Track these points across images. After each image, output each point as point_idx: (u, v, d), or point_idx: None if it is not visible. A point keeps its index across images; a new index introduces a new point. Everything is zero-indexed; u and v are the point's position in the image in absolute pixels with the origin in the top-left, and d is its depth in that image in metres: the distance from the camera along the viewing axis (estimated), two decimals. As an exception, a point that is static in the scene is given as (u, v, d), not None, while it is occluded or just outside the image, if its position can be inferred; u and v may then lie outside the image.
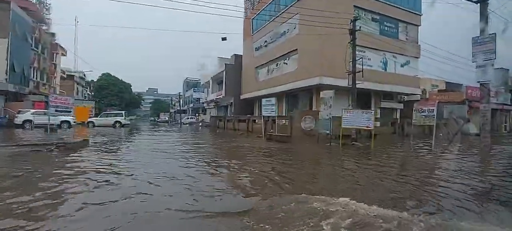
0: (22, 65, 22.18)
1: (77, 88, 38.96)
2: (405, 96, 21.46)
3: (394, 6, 19.28)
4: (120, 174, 5.03)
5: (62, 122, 18.43)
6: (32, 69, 24.35)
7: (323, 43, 16.22)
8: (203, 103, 41.41)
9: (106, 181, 4.42)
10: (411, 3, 20.17)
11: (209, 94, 37.12)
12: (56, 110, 9.79)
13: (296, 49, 18.89)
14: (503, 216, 3.34)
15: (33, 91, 23.93)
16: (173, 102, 59.68)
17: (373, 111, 10.56)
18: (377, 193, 4.20)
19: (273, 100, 13.92)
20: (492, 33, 9.58)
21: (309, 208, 3.19)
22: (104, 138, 12.95)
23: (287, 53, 20.09)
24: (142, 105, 69.81)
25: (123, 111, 27.46)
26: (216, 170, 5.88)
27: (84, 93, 43.79)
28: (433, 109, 9.42)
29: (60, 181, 4.33)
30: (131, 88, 50.99)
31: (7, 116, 19.59)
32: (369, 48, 17.98)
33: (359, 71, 11.88)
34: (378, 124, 18.72)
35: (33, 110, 18.60)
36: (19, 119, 18.01)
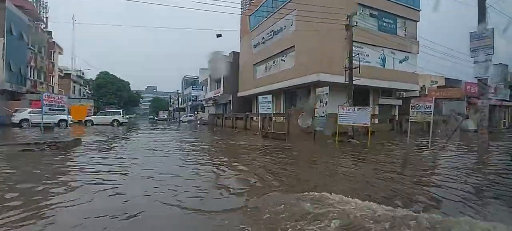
0: (19, 64, 22.05)
1: (74, 86, 38.79)
2: (404, 93, 21.35)
3: (393, 2, 19.11)
4: (103, 172, 4.97)
5: (60, 120, 18.44)
6: (29, 68, 24.22)
7: (320, 39, 16.09)
8: (201, 101, 41.33)
9: (88, 181, 4.33)
10: (410, -2, 20.02)
11: (207, 92, 37.01)
12: (50, 109, 9.63)
13: (293, 46, 18.75)
14: (502, 214, 3.27)
15: (31, 90, 23.82)
16: (172, 101, 59.56)
17: (370, 108, 10.44)
18: (368, 191, 4.11)
19: (269, 97, 13.82)
20: (490, 28, 9.46)
21: (298, 210, 3.09)
22: (99, 136, 12.89)
23: (284, 50, 19.96)
24: (140, 103, 69.64)
25: (121, 110, 27.40)
26: (206, 169, 5.77)
27: (83, 92, 43.65)
28: (430, 106, 9.31)
29: (38, 181, 4.23)
30: (129, 87, 50.84)
31: (4, 115, 19.52)
32: (367, 44, 17.84)
33: (355, 68, 11.75)
34: (376, 120, 18.65)
35: (30, 109, 18.56)
36: (16, 118, 18.00)
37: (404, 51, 19.63)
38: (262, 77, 23.14)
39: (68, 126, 19.24)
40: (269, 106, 13.61)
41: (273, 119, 16.82)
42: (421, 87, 23.58)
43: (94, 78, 46.44)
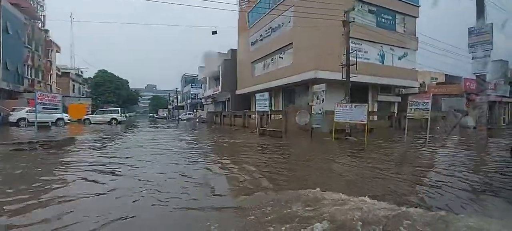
0: (16, 63, 21.96)
1: (73, 85, 38.68)
2: (403, 89, 21.22)
3: (392, -2, 18.94)
4: (92, 171, 4.88)
5: (58, 119, 18.36)
6: (26, 66, 24.12)
7: (318, 36, 15.93)
8: (200, 99, 41.22)
9: (71, 181, 4.23)
10: (409, -6, 19.82)
11: (206, 90, 36.87)
12: (43, 108, 9.54)
13: (291, 43, 18.59)
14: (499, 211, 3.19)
15: (28, 89, 23.75)
16: (171, 99, 59.45)
17: (366, 105, 10.31)
18: (361, 190, 4.02)
19: (266, 95, 13.69)
20: (489, 23, 9.33)
21: (286, 213, 2.98)
22: (95, 135, 12.82)
23: (282, 48, 19.80)
24: (139, 102, 69.49)
25: (119, 108, 27.31)
26: (196, 168, 5.64)
27: (82, 91, 43.56)
28: (428, 102, 9.20)
29: (17, 182, 4.12)
30: (128, 85, 50.68)
31: (1, 114, 19.45)
32: (366, 40, 17.70)
33: (353, 64, 11.62)
34: (375, 117, 18.55)
35: (27, 108, 18.47)
36: (13, 117, 17.93)
37: (403, 48, 19.47)
38: (260, 74, 23.00)
39: (65, 124, 19.25)
40: (266, 104, 13.49)
41: (272, 116, 16.73)
42: (420, 84, 23.45)
43: (92, 77, 46.30)
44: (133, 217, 2.89)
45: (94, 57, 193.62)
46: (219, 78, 29.59)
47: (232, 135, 13.71)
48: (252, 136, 12.69)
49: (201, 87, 40.92)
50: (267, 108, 13.53)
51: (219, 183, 4.40)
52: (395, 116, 18.33)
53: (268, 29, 21.59)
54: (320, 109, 11.10)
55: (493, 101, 21.49)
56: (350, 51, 11.79)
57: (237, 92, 26.93)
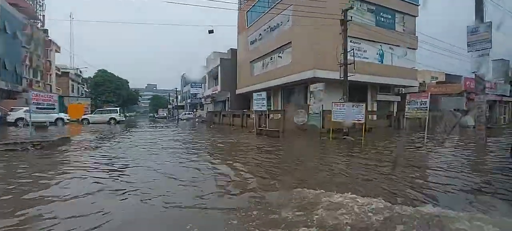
0: (14, 62, 21.92)
1: (73, 85, 38.64)
2: (403, 89, 21.08)
3: (391, -4, 18.80)
4: (80, 172, 4.79)
5: (57, 119, 18.35)
6: (24, 66, 24.09)
7: (317, 35, 15.82)
8: (200, 98, 41.16)
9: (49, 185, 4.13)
10: (408, -7, 19.67)
11: (205, 90, 36.80)
12: (37, 108, 9.48)
13: (290, 42, 18.48)
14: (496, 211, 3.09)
15: (27, 89, 23.69)
16: (171, 98, 59.41)
17: (363, 104, 10.19)
18: (354, 191, 3.92)
19: (264, 94, 13.58)
20: (488, 22, 9.20)
21: (273, 218, 2.88)
22: (92, 135, 12.76)
23: (281, 47, 19.69)
24: (139, 101, 69.48)
25: (117, 108, 27.30)
26: (183, 168, 5.55)
27: (81, 91, 43.54)
28: (426, 102, 9.08)
29: None
30: (128, 85, 50.61)
31: (0, 114, 19.42)
32: (365, 40, 17.58)
33: (350, 63, 11.51)
34: (375, 117, 18.42)
35: (25, 108, 18.43)
36: (11, 117, 17.91)
37: (403, 47, 19.32)
38: (259, 74, 22.90)
39: (65, 124, 19.22)
40: (263, 103, 13.39)
41: (270, 116, 16.60)
42: (420, 83, 23.30)
43: (92, 77, 46.25)
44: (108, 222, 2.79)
45: (95, 57, 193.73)
46: (217, 77, 29.51)
47: (229, 135, 13.62)
48: (248, 136, 12.59)
49: (201, 87, 40.85)
50: (264, 108, 13.42)
51: (205, 183, 4.29)
52: (394, 115, 18.19)
53: (267, 28, 21.48)
54: (318, 109, 10.98)
55: (493, 100, 21.33)
56: (348, 50, 11.67)
57: (237, 91, 26.84)
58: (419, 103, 9.30)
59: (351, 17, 11.58)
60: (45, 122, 17.12)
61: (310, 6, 14.82)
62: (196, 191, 3.86)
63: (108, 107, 31.11)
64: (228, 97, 28.78)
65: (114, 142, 10.28)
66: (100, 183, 4.21)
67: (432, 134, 11.61)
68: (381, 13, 18.70)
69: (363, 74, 16.09)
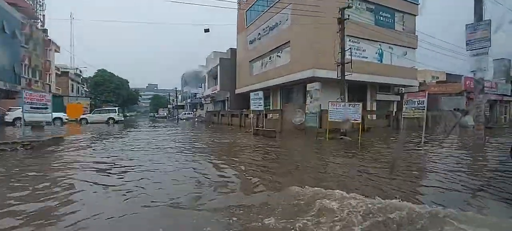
0: (13, 62, 21.87)
1: (72, 85, 38.61)
2: (403, 88, 20.91)
3: (390, -5, 18.63)
4: (65, 173, 4.69)
5: (55, 118, 18.27)
6: (23, 66, 24.05)
7: (316, 34, 15.69)
8: (200, 98, 41.11)
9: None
10: (408, -9, 19.49)
11: (205, 90, 36.72)
12: (31, 108, 9.40)
13: (289, 41, 18.35)
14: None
15: (26, 88, 23.68)
16: (171, 98, 59.42)
17: (360, 104, 10.03)
18: (347, 190, 3.79)
19: (261, 94, 13.46)
20: (487, 20, 9.04)
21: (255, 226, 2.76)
22: (88, 134, 12.69)
23: (280, 46, 19.57)
24: (140, 101, 69.53)
25: (116, 108, 27.25)
26: (173, 168, 5.43)
27: (81, 90, 43.53)
28: (423, 101, 8.93)
29: None
30: (128, 85, 50.59)
31: (-3, 113, 19.41)
32: (364, 39, 17.44)
33: (348, 62, 11.37)
34: (374, 116, 18.28)
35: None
36: (9, 117, 17.88)
37: (402, 46, 19.16)
38: (258, 73, 22.79)
39: (63, 124, 19.17)
40: (260, 102, 13.26)
41: (268, 115, 16.49)
42: (420, 83, 23.12)
43: (92, 76, 46.24)
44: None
45: (95, 57, 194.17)
46: (217, 77, 29.42)
47: (226, 135, 13.50)
48: (246, 136, 12.47)
49: (201, 87, 40.78)
50: (261, 108, 13.30)
51: (191, 184, 4.18)
52: (393, 115, 18.05)
53: (266, 27, 21.36)
54: (314, 108, 10.85)
55: (493, 100, 21.13)
56: (346, 49, 11.53)
57: (236, 91, 26.74)
58: (416, 102, 9.15)
59: (349, 15, 11.43)
60: (42, 122, 17.05)
61: (310, 4, 14.69)
62: (175, 189, 3.76)
63: (107, 107, 31.07)
64: (228, 97, 28.69)
65: (110, 141, 10.16)
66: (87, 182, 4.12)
67: (430, 133, 11.46)
68: (381, 12, 18.53)
69: (362, 73, 15.95)
